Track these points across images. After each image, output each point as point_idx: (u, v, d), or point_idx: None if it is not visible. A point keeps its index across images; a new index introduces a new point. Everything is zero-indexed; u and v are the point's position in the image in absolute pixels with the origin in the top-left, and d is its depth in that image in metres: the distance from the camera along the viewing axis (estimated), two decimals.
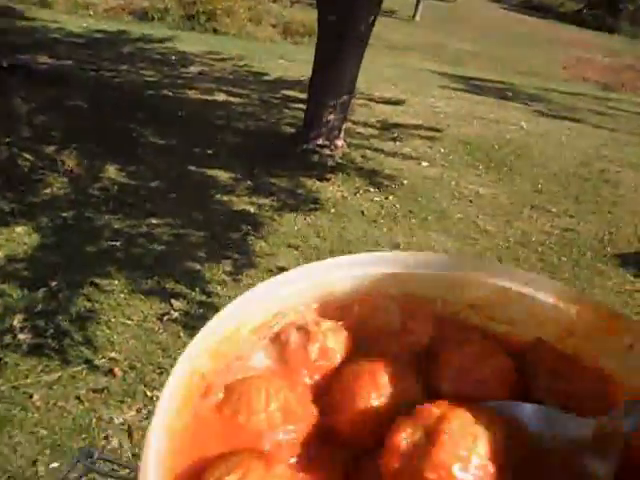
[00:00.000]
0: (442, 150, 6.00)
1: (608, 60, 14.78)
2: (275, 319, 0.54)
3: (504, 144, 6.41)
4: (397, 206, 4.65)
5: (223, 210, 4.34)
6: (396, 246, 4.02)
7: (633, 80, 12.69)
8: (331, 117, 5.19)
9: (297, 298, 0.55)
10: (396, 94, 8.03)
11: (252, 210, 4.33)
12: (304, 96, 6.94)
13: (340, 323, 0.58)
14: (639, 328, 0.53)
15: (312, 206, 4.46)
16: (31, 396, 2.30)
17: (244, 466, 0.41)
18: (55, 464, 2.04)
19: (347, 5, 4.73)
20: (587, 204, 5.16)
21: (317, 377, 0.52)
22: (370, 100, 7.46)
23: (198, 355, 0.45)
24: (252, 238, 3.92)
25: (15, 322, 2.65)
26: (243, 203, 4.42)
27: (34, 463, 2.02)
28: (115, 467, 1.09)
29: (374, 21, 4.93)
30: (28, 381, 2.37)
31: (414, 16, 16.53)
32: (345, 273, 0.57)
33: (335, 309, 0.57)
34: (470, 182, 5.32)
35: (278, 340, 0.54)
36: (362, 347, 0.56)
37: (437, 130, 6.55)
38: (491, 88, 9.83)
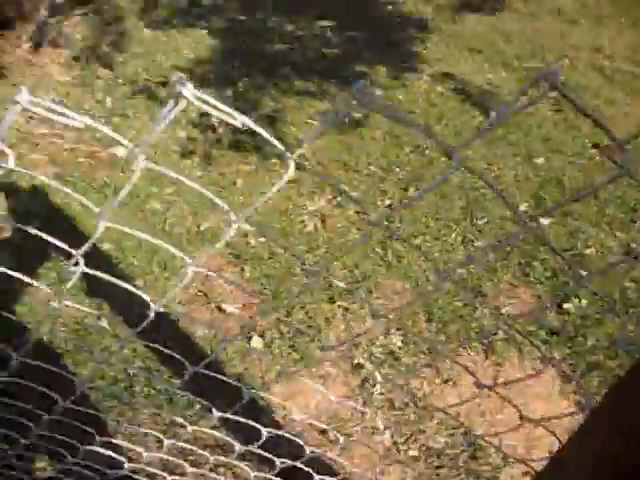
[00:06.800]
0: None
1: None
2: None
3: None
4: (602, 1, 3.90)
5: (394, 10, 4.00)
6: (597, 50, 3.46)
7: None
8: None
9: None
10: None
11: (428, 10, 3.93)
12: None
13: None
14: None
15: (498, 5, 3.91)
16: (234, 182, 2.55)
17: None
18: (262, 239, 2.31)
19: None
20: None
21: None
22: None
23: None
24: (424, 41, 3.62)
25: (214, 118, 2.85)
26: (419, 2, 4.02)
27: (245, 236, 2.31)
28: None
29: None
30: (232, 169, 2.61)
31: None
32: None
33: None
34: None
35: None
36: None
37: None
38: None
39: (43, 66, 3.14)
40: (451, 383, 1.85)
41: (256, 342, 1.89)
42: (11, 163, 0.46)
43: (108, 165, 2.58)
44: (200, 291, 2.06)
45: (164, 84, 3.18)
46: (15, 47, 3.19)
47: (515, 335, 2.00)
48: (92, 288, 2.02)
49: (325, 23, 3.84)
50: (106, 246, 2.19)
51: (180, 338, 1.90)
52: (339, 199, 2.45)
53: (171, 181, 2.44)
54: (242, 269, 2.15)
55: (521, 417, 0.69)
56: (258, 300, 2.05)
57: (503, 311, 2.11)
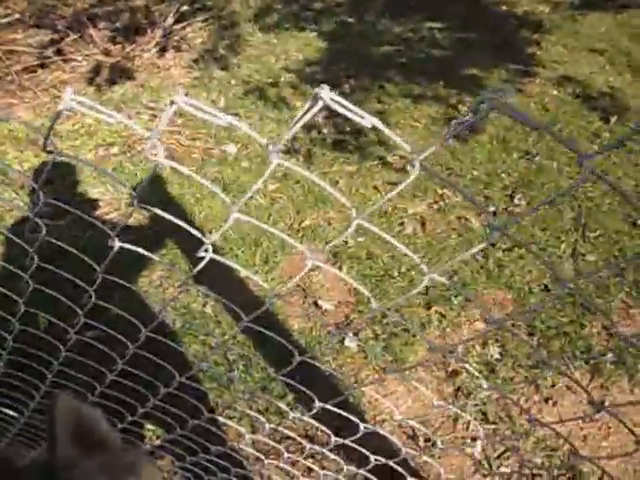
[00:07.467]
0: None
1: None
2: None
3: None
4: None
5: (508, 10, 3.85)
6: None
7: None
8: None
9: None
10: None
11: (546, 9, 3.74)
12: None
13: None
14: None
15: (625, 1, 3.63)
16: (337, 182, 2.60)
17: None
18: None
19: None
20: None
21: None
22: None
23: None
24: (540, 42, 3.45)
25: (319, 118, 2.93)
26: (535, 2, 3.84)
27: None
28: None
29: None
30: (333, 169, 2.67)
31: None
32: None
33: None
34: None
35: None
36: None
37: None
38: None
39: (167, 69, 3.40)
40: (551, 402, 1.75)
41: (350, 341, 1.91)
42: (161, 156, 0.52)
43: (218, 161, 2.74)
44: (298, 285, 2.12)
45: (273, 85, 3.31)
46: (143, 52, 3.48)
47: (627, 358, 1.85)
48: (199, 275, 2.16)
49: (434, 25, 3.79)
50: (212, 236, 2.32)
51: (276, 330, 1.97)
52: (441, 204, 2.42)
53: (276, 178, 2.54)
54: (340, 268, 2.19)
55: (638, 442, 0.65)
56: (354, 299, 2.07)
57: (614, 331, 1.96)
